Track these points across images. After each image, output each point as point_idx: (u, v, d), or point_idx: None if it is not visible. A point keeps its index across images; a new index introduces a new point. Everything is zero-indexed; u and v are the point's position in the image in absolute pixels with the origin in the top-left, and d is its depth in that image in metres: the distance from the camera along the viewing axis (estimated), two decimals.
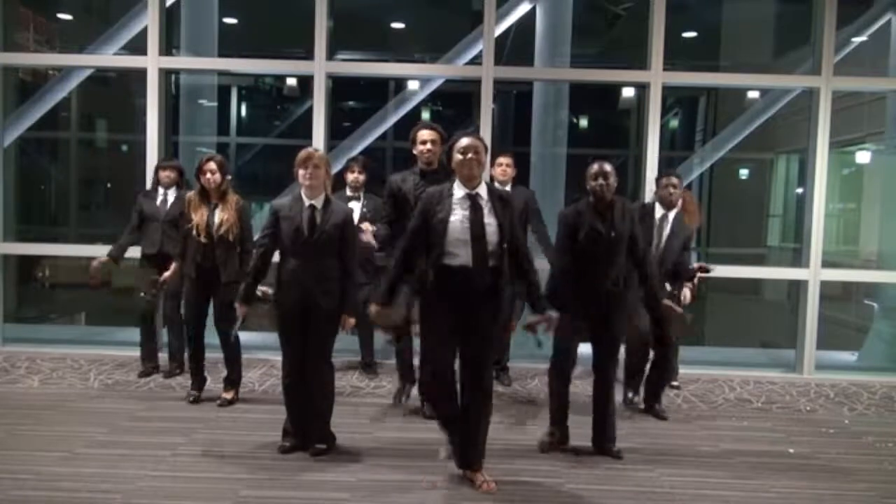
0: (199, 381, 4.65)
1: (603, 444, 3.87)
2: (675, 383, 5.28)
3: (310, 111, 5.81)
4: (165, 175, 5.10)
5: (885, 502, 3.44)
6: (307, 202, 3.66)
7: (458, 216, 3.25)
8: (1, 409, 4.39)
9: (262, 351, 5.63)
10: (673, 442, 4.16)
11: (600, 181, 3.70)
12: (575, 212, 3.78)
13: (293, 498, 3.28)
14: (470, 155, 3.26)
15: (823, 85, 5.64)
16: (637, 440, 4.14)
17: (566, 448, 3.89)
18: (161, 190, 5.11)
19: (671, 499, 3.39)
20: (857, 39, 6.33)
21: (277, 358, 3.84)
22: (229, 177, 4.54)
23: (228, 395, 4.59)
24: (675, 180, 4.44)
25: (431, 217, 3.28)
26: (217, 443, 3.90)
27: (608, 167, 3.73)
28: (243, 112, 11.73)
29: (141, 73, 5.69)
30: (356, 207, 5.07)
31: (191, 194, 4.53)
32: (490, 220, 3.25)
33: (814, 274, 5.69)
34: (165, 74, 5.80)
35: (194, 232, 4.42)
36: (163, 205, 5.08)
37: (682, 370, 5.59)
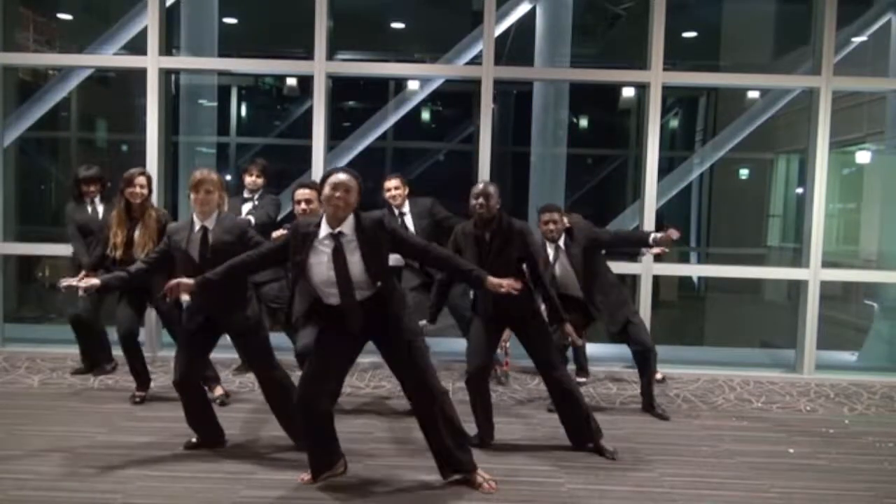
0: (143, 381, 4.66)
1: (580, 443, 3.90)
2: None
3: (310, 111, 5.81)
4: (90, 189, 5.10)
5: (886, 502, 3.44)
6: (198, 224, 3.64)
7: (323, 258, 3.15)
8: (1, 409, 4.40)
9: None
10: (673, 442, 4.16)
11: (480, 201, 3.75)
12: (462, 231, 3.87)
13: (293, 498, 3.28)
14: (338, 193, 3.12)
15: (823, 85, 5.64)
16: (637, 440, 4.14)
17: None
18: (88, 200, 5.13)
19: (671, 499, 3.39)
20: (857, 39, 6.33)
21: (279, 358, 3.84)
22: (154, 194, 4.60)
23: (217, 393, 4.59)
24: (556, 216, 4.47)
25: (293, 253, 3.20)
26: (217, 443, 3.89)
27: (491, 189, 3.78)
28: (243, 112, 11.72)
29: (141, 73, 5.70)
30: (245, 209, 5.12)
31: (115, 212, 4.50)
32: (355, 258, 3.13)
33: (814, 274, 5.70)
34: (165, 74, 5.80)
35: (112, 252, 4.41)
36: (94, 214, 5.09)
37: (683, 370, 5.63)
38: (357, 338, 3.31)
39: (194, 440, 3.81)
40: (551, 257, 4.50)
